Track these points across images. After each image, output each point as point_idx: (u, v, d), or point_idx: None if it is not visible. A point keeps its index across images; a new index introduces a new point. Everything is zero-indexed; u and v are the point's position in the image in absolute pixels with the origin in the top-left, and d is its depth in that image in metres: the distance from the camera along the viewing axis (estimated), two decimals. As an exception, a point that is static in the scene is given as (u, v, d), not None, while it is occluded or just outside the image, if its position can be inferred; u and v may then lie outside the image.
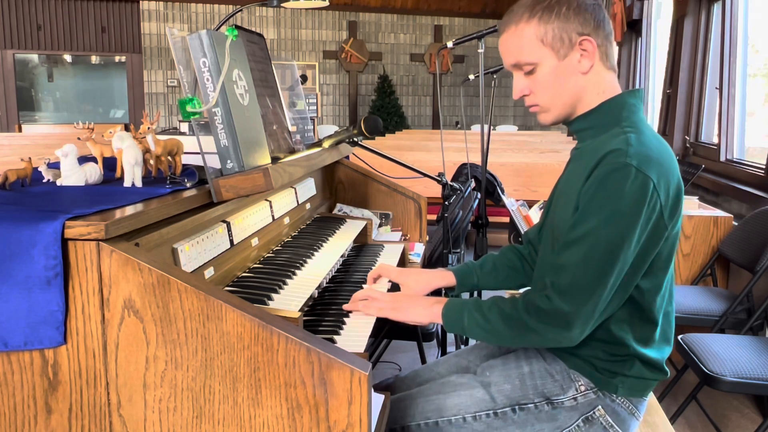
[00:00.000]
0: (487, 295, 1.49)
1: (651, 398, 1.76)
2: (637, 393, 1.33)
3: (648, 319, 1.29)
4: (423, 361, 2.74)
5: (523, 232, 2.70)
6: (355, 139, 1.95)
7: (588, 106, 1.31)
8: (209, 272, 1.32)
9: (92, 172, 1.40)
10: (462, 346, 2.61)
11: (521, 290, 2.65)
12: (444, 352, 2.64)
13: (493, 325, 1.27)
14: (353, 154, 2.72)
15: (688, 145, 4.78)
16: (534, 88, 1.31)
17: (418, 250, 2.24)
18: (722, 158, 4.18)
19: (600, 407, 1.32)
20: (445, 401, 1.35)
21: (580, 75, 1.28)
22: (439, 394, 1.37)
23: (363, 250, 2.06)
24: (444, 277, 1.57)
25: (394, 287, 1.61)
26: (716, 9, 4.47)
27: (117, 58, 10.19)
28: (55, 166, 1.43)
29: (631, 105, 1.29)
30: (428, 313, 1.36)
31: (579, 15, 1.24)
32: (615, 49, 1.33)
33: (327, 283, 1.66)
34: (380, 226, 2.38)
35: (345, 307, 1.45)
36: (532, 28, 1.26)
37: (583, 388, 1.33)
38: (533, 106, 1.34)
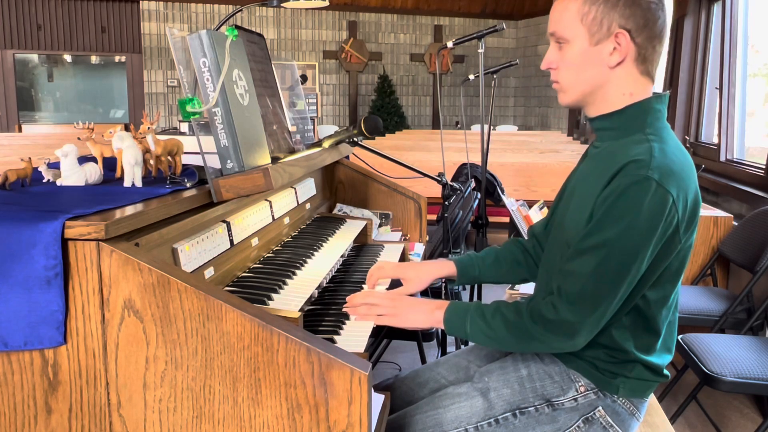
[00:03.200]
0: (487, 296, 1.49)
1: (651, 398, 1.75)
2: (638, 394, 1.33)
3: (651, 329, 1.28)
4: (423, 361, 2.74)
5: (522, 232, 2.71)
6: (355, 139, 1.94)
7: (611, 105, 1.27)
8: (209, 272, 1.32)
9: (92, 172, 1.40)
10: (462, 347, 2.61)
11: (521, 287, 2.65)
12: (444, 352, 2.64)
13: (497, 332, 1.26)
14: (353, 154, 2.72)
15: (688, 145, 4.78)
16: (560, 64, 1.28)
17: (418, 250, 2.24)
18: (722, 158, 4.18)
19: (600, 408, 1.32)
20: (445, 415, 1.34)
21: (606, 68, 1.24)
22: (438, 409, 1.35)
23: (363, 250, 2.06)
24: (445, 267, 1.56)
25: (396, 283, 1.59)
26: (716, 9, 4.47)
27: (117, 58, 10.18)
28: (55, 166, 1.43)
29: (657, 111, 1.26)
30: (429, 318, 1.35)
31: (628, 8, 1.20)
32: (659, 56, 1.28)
33: (327, 283, 1.66)
34: (380, 226, 2.38)
35: (345, 309, 1.43)
36: (578, 3, 1.23)
37: (582, 388, 1.32)
38: (554, 83, 1.31)
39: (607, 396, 1.32)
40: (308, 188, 2.11)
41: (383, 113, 10.39)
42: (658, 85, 5.60)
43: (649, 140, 1.21)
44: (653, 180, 1.14)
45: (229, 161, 1.36)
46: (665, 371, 1.33)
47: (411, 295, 1.49)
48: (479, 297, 2.94)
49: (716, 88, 4.36)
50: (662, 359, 1.32)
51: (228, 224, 1.45)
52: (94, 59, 10.31)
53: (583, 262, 1.18)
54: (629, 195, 1.14)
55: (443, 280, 1.68)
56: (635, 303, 1.25)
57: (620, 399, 1.32)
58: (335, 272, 1.76)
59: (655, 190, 1.14)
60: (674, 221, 1.17)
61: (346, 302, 1.45)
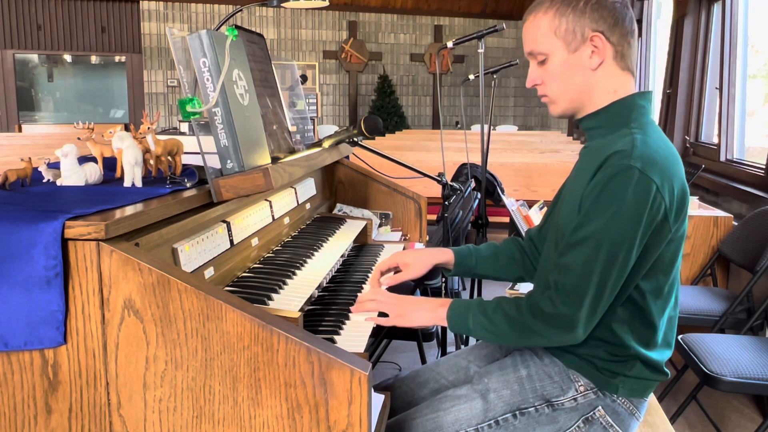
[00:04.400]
0: (487, 296, 1.49)
1: (651, 398, 1.75)
2: (638, 393, 1.33)
3: (648, 322, 1.29)
4: (423, 361, 2.74)
5: (522, 232, 2.71)
6: (355, 139, 1.94)
7: (597, 105, 1.31)
8: (209, 272, 1.32)
9: (92, 172, 1.40)
10: (462, 346, 2.61)
11: (520, 287, 2.65)
12: (444, 352, 2.65)
13: (498, 327, 1.28)
14: (353, 154, 2.72)
15: (688, 145, 4.78)
16: (545, 79, 1.33)
17: (418, 250, 2.24)
18: (722, 158, 4.18)
19: (600, 407, 1.32)
20: (445, 418, 1.34)
21: (589, 71, 1.28)
22: (438, 412, 1.36)
23: (363, 250, 2.06)
24: (443, 254, 1.57)
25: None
26: (716, 9, 4.47)
27: (117, 58, 10.18)
28: (55, 166, 1.43)
29: (641, 107, 1.30)
30: (433, 316, 1.37)
31: (596, 11, 1.25)
32: (635, 51, 1.33)
33: (327, 283, 1.66)
34: (380, 226, 2.38)
35: (353, 310, 1.45)
36: (548, 19, 1.28)
37: (582, 388, 1.33)
38: (543, 97, 1.36)
39: (606, 396, 1.32)
40: (308, 188, 2.11)
41: (383, 113, 10.39)
42: (659, 85, 5.61)
43: (632, 133, 1.24)
44: (636, 168, 1.16)
45: (229, 161, 1.36)
46: (665, 369, 1.34)
47: (411, 292, 1.50)
48: (480, 295, 2.94)
49: (716, 88, 4.36)
50: (662, 355, 1.33)
51: (228, 224, 1.45)
52: (94, 59, 10.31)
53: (575, 255, 1.21)
54: (613, 185, 1.17)
55: (443, 278, 1.69)
56: (630, 294, 1.27)
57: (620, 399, 1.33)
58: (335, 272, 1.76)
59: (638, 178, 1.16)
60: (661, 209, 1.19)
61: (346, 302, 1.47)
